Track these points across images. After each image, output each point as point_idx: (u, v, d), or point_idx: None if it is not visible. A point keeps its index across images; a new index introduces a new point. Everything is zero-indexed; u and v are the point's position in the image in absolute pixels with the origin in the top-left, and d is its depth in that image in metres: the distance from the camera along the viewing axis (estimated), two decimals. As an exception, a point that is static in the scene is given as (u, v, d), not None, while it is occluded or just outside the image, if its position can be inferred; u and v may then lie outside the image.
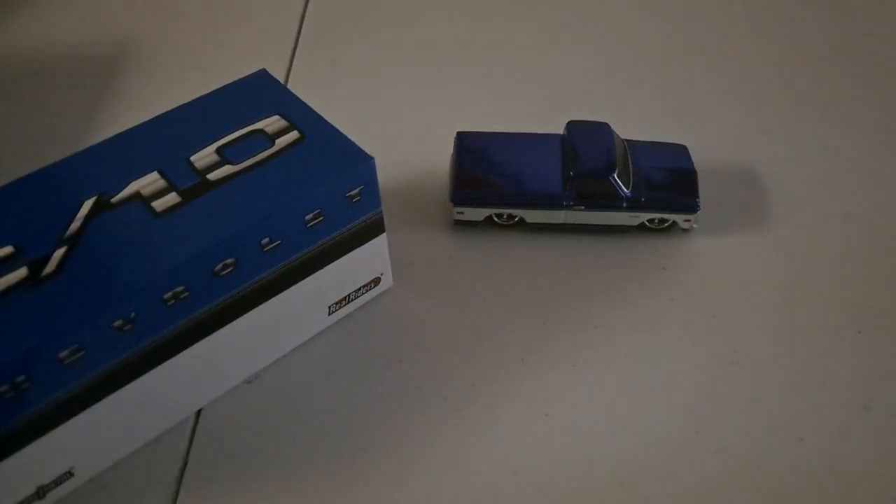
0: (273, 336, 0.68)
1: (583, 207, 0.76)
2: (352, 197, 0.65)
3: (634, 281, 0.75)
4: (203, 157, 0.64)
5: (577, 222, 0.77)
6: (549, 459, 0.63)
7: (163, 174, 0.62)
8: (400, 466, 0.63)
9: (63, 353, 0.54)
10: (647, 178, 0.77)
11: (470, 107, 0.91)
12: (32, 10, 1.05)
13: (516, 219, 0.77)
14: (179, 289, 0.58)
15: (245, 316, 0.64)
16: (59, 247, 0.58)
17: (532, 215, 0.77)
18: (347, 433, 0.65)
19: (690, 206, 0.76)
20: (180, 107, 0.68)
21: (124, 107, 0.91)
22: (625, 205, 0.75)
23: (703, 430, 0.65)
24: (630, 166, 0.77)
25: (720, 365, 0.69)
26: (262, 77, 0.71)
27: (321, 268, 0.67)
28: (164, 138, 0.65)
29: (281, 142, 0.65)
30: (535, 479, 0.62)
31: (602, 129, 0.78)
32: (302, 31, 1.01)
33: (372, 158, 0.64)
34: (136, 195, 0.61)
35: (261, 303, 0.64)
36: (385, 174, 0.82)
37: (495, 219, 0.78)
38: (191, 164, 0.63)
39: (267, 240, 0.61)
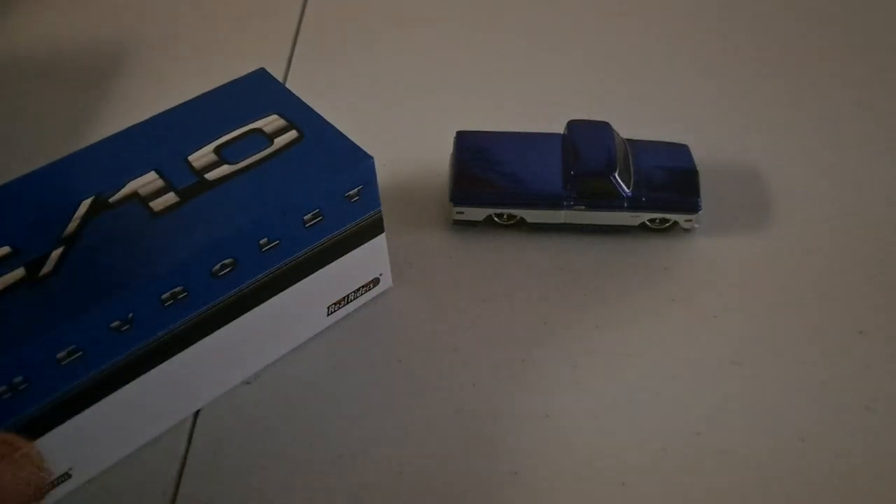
0: (272, 336, 0.68)
1: (583, 207, 0.75)
2: (351, 196, 0.64)
3: (635, 281, 0.74)
4: (201, 156, 0.64)
5: (577, 222, 0.77)
6: (550, 460, 0.63)
7: (160, 174, 0.62)
8: (400, 467, 0.63)
9: (61, 354, 0.54)
10: (649, 177, 0.76)
11: (470, 106, 0.91)
12: (32, 9, 1.05)
13: (516, 219, 0.77)
14: (178, 289, 0.58)
15: (244, 316, 0.64)
16: (57, 246, 0.57)
17: (532, 215, 0.76)
18: (347, 433, 0.65)
19: (692, 206, 0.76)
20: (178, 106, 0.68)
21: (123, 106, 0.91)
22: (626, 204, 0.75)
23: (705, 430, 0.65)
24: (631, 166, 0.77)
25: (722, 365, 0.68)
26: (261, 76, 0.71)
27: (320, 268, 0.67)
28: (162, 138, 0.65)
29: (279, 141, 0.65)
30: (535, 480, 0.62)
31: (603, 128, 0.77)
32: (301, 30, 1.01)
33: (371, 158, 0.64)
34: (134, 195, 0.61)
35: (259, 303, 0.64)
36: (385, 174, 0.82)
37: (495, 219, 0.77)
38: (189, 163, 0.63)
39: (265, 240, 0.61)
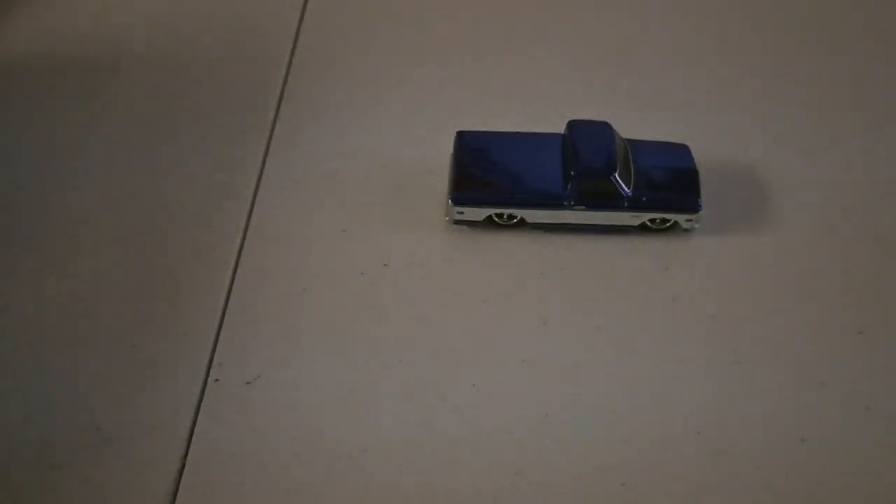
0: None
1: (583, 207, 0.75)
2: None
3: (636, 281, 0.74)
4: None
5: (577, 222, 0.77)
6: (550, 460, 0.63)
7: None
8: (400, 467, 0.63)
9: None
10: (649, 177, 0.76)
11: (470, 106, 0.90)
12: (30, 9, 1.05)
13: (516, 219, 0.77)
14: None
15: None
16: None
17: (532, 215, 0.76)
18: (347, 433, 0.64)
19: (692, 206, 0.76)
20: None
21: (122, 106, 0.91)
22: (626, 204, 0.75)
23: (705, 430, 0.65)
24: (631, 166, 0.76)
25: (722, 365, 0.68)
26: None
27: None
28: None
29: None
30: (536, 480, 0.62)
31: (603, 128, 0.77)
32: (301, 29, 1.01)
33: None
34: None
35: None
36: (385, 174, 0.82)
37: (495, 219, 0.77)
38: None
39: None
